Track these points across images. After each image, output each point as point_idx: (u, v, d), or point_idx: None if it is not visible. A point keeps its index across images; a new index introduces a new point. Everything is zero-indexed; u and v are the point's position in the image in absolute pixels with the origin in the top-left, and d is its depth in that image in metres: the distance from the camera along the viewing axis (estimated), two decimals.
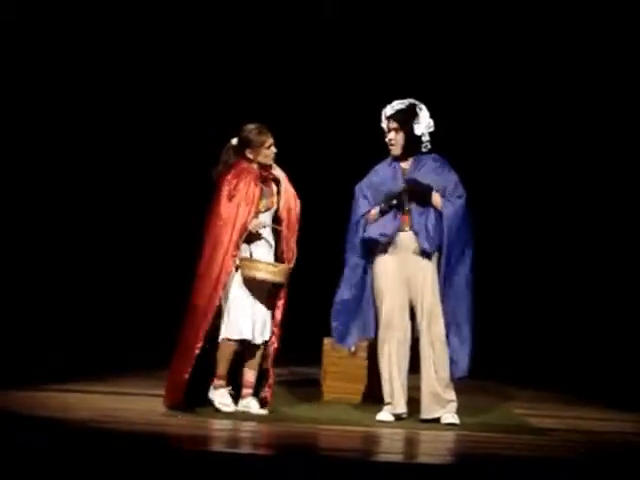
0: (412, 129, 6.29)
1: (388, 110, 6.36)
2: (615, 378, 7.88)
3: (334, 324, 6.36)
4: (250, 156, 6.32)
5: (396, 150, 6.34)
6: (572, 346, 8.46)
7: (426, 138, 6.30)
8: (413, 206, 6.22)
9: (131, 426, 5.70)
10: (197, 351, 6.11)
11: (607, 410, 7.02)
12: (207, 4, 8.83)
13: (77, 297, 8.76)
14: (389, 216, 6.25)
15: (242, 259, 6.23)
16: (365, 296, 6.35)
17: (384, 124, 6.38)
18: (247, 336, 6.20)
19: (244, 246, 6.27)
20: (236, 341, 6.22)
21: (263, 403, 6.30)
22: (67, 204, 8.87)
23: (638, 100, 8.54)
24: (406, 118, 6.29)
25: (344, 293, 6.34)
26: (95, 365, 7.91)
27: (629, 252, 8.65)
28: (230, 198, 6.20)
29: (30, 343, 8.06)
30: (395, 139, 6.33)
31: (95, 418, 5.81)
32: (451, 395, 6.19)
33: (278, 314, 6.32)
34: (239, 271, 6.22)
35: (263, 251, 6.32)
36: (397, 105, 6.34)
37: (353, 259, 6.35)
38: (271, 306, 6.33)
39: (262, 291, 6.28)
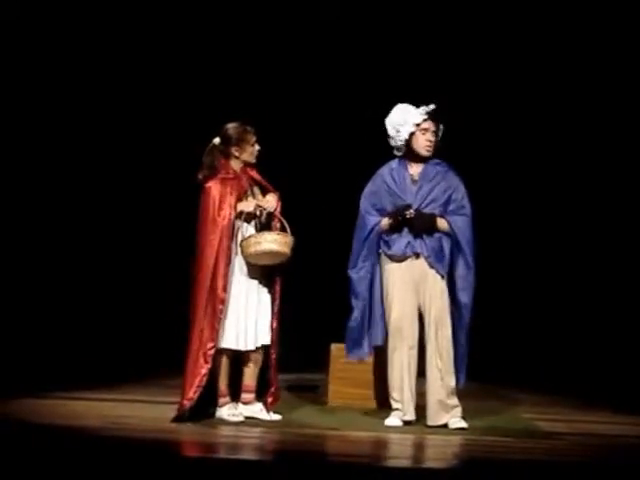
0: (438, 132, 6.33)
1: (424, 110, 6.24)
2: (623, 382, 7.87)
3: (347, 343, 6.36)
4: (236, 154, 6.27)
5: (430, 153, 6.29)
6: (580, 350, 8.46)
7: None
8: (422, 233, 6.20)
9: (142, 434, 5.71)
10: None
11: (615, 414, 7.00)
12: (207, 5, 8.84)
13: (84, 304, 8.77)
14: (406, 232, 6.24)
15: (242, 240, 6.10)
16: (372, 308, 6.34)
17: (415, 123, 6.21)
18: (235, 345, 6.11)
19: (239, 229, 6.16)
20: (226, 350, 6.14)
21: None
22: (80, 212, 8.88)
23: (637, 100, 8.55)
24: (439, 121, 6.32)
25: (353, 314, 6.31)
26: (103, 373, 7.92)
27: (635, 257, 8.66)
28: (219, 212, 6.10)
29: (37, 351, 8.07)
30: (434, 142, 6.28)
31: (105, 426, 5.82)
32: (454, 401, 6.20)
33: (274, 322, 6.23)
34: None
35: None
36: (431, 107, 6.26)
37: (358, 275, 6.31)
38: (264, 308, 6.22)
39: (253, 292, 6.18)
